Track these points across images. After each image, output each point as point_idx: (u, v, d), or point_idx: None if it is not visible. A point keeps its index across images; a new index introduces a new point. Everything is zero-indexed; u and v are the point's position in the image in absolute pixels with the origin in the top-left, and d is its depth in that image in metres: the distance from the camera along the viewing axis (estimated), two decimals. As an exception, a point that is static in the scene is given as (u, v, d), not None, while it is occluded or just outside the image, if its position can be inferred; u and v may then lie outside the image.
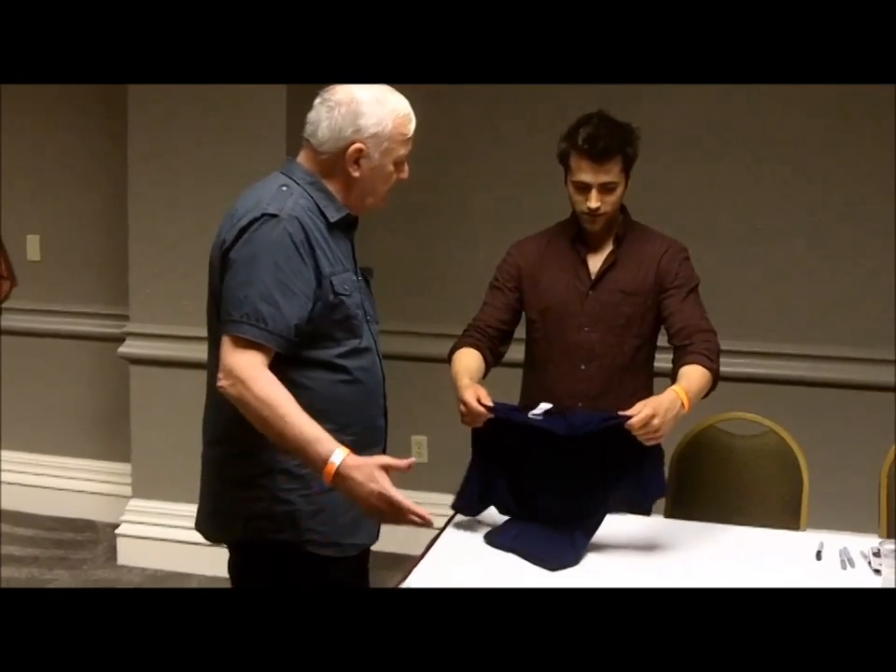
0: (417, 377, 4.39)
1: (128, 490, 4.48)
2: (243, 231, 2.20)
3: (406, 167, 2.36)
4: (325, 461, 2.09)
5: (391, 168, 2.31)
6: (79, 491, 4.89)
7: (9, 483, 4.94)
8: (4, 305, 4.96)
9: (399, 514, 2.12)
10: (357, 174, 2.28)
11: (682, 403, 2.45)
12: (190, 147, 4.08)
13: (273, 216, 2.19)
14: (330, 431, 2.16)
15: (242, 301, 2.16)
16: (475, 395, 2.56)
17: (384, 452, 2.39)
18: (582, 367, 2.73)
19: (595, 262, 2.76)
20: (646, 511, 2.66)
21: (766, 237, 4.07)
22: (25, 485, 4.95)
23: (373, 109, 2.26)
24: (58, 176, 4.81)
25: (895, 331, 3.91)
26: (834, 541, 2.55)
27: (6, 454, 4.99)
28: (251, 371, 2.13)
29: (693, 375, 2.57)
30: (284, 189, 2.26)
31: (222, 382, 2.16)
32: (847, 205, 3.98)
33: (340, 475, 2.09)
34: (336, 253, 2.28)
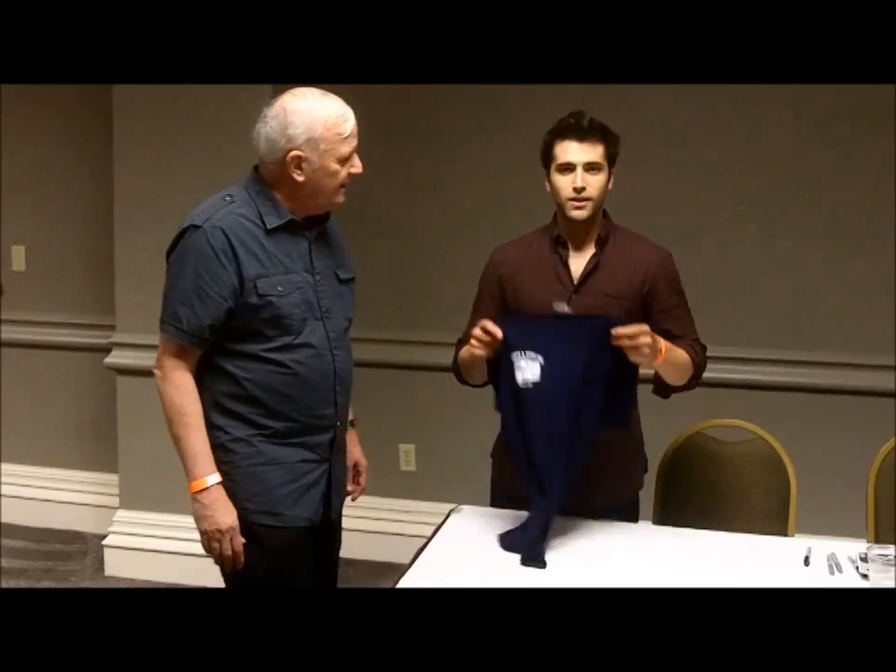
0: (405, 386, 4.39)
1: (116, 501, 4.47)
2: (176, 240, 2.50)
3: (356, 161, 2.50)
4: (200, 476, 2.46)
5: (336, 167, 2.46)
6: (67, 502, 4.86)
7: (-3, 495, 4.92)
8: (-11, 316, 4.94)
9: (220, 552, 2.47)
10: (301, 178, 2.45)
11: (663, 350, 2.54)
12: (176, 156, 4.06)
13: (197, 227, 2.45)
14: (264, 418, 2.50)
15: (167, 304, 2.49)
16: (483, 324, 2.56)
17: (333, 439, 2.59)
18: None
19: (578, 265, 2.74)
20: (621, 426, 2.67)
21: (759, 240, 4.07)
22: (12, 497, 4.92)
23: (301, 118, 2.41)
24: (43, 187, 4.79)
25: (895, 337, 3.92)
26: (822, 547, 2.55)
27: (-8, 465, 4.98)
28: (175, 374, 2.48)
29: (676, 349, 2.65)
30: (228, 198, 2.50)
31: (155, 370, 2.52)
32: (845, 209, 3.98)
33: (205, 493, 2.45)
34: (275, 256, 2.47)
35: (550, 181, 2.71)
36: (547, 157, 2.71)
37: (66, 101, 4.65)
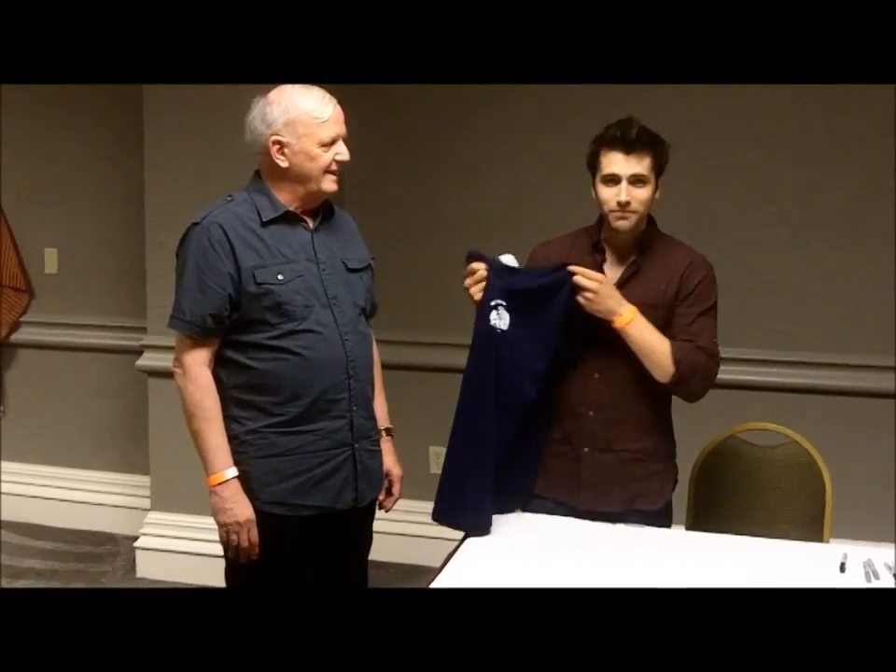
0: (435, 388, 4.37)
1: (147, 503, 4.49)
2: (181, 240, 2.62)
3: (341, 148, 2.58)
4: (219, 469, 2.55)
5: (316, 150, 2.55)
6: (99, 504, 4.89)
7: (29, 496, 4.96)
8: (21, 318, 4.98)
9: (236, 547, 2.57)
10: (285, 164, 2.57)
11: (623, 314, 2.61)
12: (207, 160, 4.07)
13: (196, 224, 2.58)
14: (275, 405, 2.57)
15: (175, 300, 2.60)
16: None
17: (351, 425, 2.65)
18: (596, 376, 2.70)
19: (616, 271, 2.72)
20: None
21: (791, 242, 4.04)
22: (45, 498, 4.96)
23: (278, 104, 2.55)
24: (75, 189, 4.83)
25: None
26: (858, 553, 2.51)
27: (25, 466, 5.01)
28: (193, 370, 2.57)
29: (653, 334, 2.65)
30: (228, 199, 2.63)
31: (173, 367, 2.62)
32: (874, 211, 3.94)
33: (223, 486, 2.55)
34: (274, 247, 2.57)
35: (595, 190, 2.68)
36: (592, 165, 2.68)
37: (98, 105, 4.68)
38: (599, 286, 2.59)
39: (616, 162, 2.61)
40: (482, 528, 2.65)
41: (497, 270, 2.64)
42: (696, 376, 2.65)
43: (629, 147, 2.60)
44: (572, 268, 2.61)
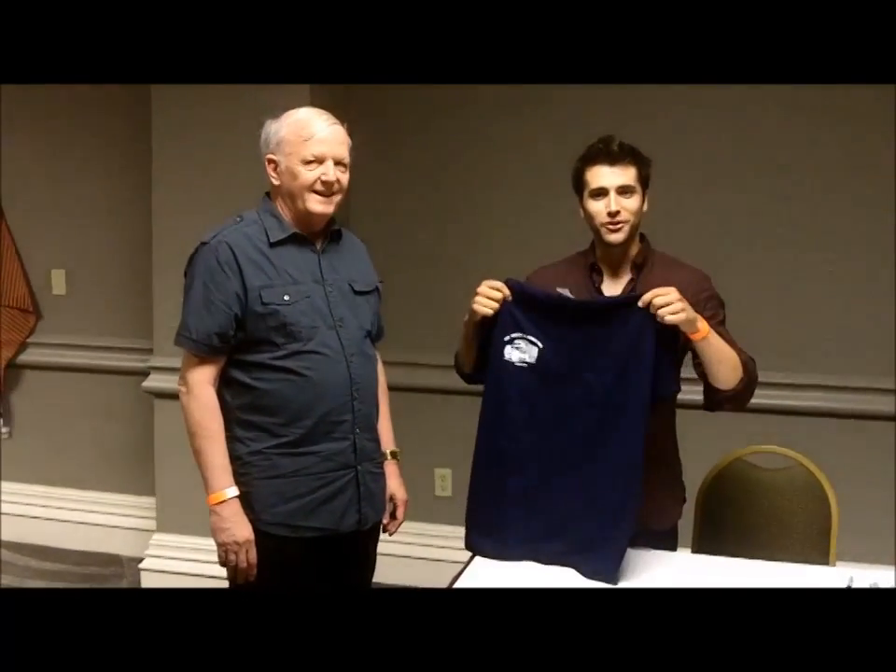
0: (441, 410, 4.38)
1: (153, 524, 4.49)
2: (189, 259, 2.64)
3: (328, 168, 2.57)
4: (220, 489, 2.55)
5: (298, 168, 2.57)
6: (104, 525, 4.90)
7: (34, 517, 4.96)
8: (29, 339, 4.99)
9: (234, 567, 2.58)
10: (277, 182, 2.63)
11: (703, 325, 2.50)
12: (216, 181, 4.10)
13: (205, 243, 2.60)
14: (279, 426, 2.58)
15: (181, 318, 2.61)
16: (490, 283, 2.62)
17: (354, 447, 2.65)
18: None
19: (614, 291, 2.72)
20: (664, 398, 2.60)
21: (785, 266, 4.05)
22: (50, 519, 4.97)
23: (275, 125, 2.62)
24: (83, 211, 4.86)
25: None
26: (864, 576, 2.51)
27: (31, 487, 5.02)
28: (197, 389, 2.58)
29: (722, 340, 2.57)
30: (237, 219, 2.65)
31: (178, 386, 2.63)
32: (881, 231, 3.95)
33: (223, 505, 2.55)
34: (282, 268, 2.59)
35: (583, 208, 2.70)
36: (579, 184, 2.70)
37: (106, 125, 4.72)
38: (678, 293, 2.47)
39: (602, 175, 2.64)
40: (505, 557, 2.61)
41: (528, 303, 2.58)
42: (755, 382, 2.67)
43: (613, 160, 2.63)
44: (646, 296, 2.47)
